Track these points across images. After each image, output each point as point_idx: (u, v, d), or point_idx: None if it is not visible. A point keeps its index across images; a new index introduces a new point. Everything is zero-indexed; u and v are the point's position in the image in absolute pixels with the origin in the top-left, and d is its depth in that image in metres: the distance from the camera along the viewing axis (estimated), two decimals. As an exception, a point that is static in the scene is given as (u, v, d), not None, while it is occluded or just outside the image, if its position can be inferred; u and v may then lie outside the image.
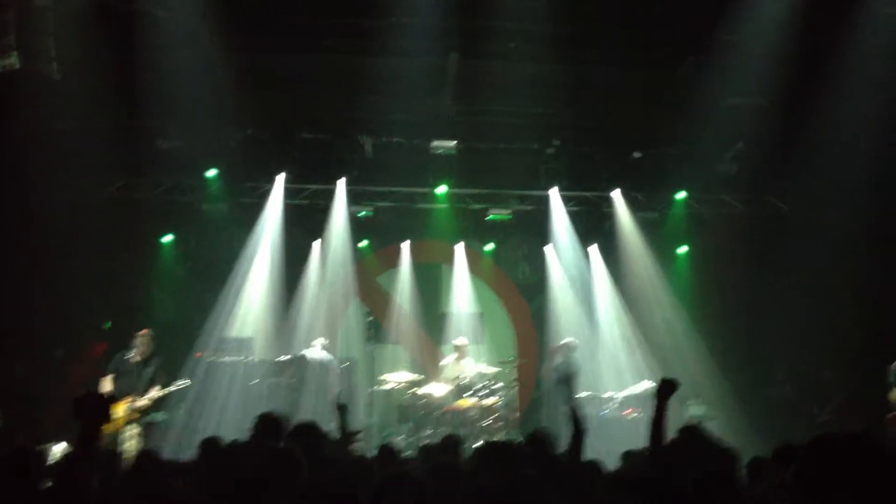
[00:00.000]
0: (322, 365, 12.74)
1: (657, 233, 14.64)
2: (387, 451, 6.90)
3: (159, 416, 12.16)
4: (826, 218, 12.65)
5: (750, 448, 6.95)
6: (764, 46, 11.46)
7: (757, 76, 11.92)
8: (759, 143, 13.06)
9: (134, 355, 10.54)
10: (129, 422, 10.14)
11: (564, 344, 13.39)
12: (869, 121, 11.16)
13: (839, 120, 11.48)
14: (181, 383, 10.70)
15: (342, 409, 7.44)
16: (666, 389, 5.31)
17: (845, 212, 12.17)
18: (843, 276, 12.29)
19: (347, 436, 7.26)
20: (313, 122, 13.17)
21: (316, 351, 12.84)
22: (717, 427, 13.02)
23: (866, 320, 12.26)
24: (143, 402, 10.26)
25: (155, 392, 10.40)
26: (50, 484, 4.44)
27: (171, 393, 10.63)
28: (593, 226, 14.78)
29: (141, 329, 10.80)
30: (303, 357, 12.72)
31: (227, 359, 12.67)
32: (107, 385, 10.22)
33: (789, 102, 12.01)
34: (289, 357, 12.91)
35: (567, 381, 12.64)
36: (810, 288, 12.90)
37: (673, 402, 12.09)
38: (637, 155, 14.05)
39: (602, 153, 14.10)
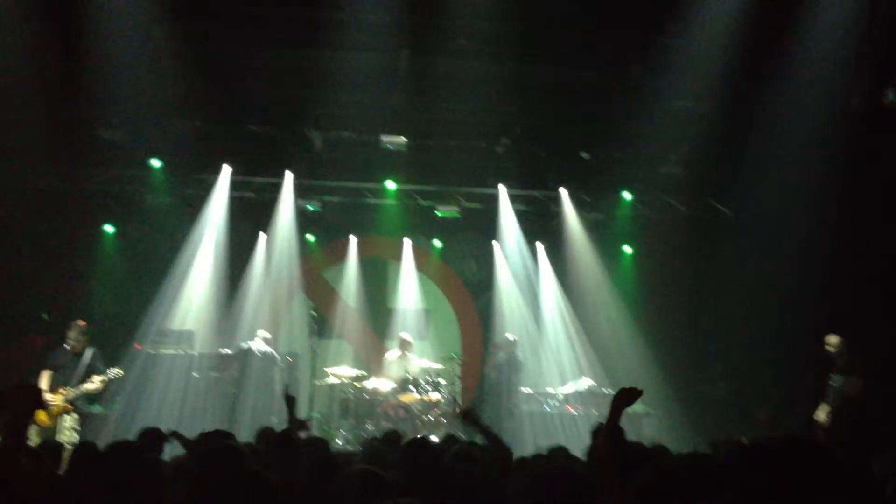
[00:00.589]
0: (265, 358, 12.65)
1: (603, 233, 14.80)
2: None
3: (96, 409, 11.96)
4: (767, 222, 12.87)
5: (686, 444, 7.10)
6: (710, 50, 11.61)
7: (703, 80, 12.07)
8: (705, 146, 13.19)
9: (70, 348, 10.36)
10: (63, 413, 9.99)
11: (506, 340, 13.52)
12: (813, 126, 11.36)
13: (783, 125, 11.70)
14: (114, 373, 10.51)
15: (290, 401, 7.42)
16: (623, 399, 5.36)
17: (786, 216, 12.39)
18: (783, 279, 12.51)
19: (296, 424, 7.25)
20: (261, 114, 12.97)
21: (258, 344, 12.74)
22: (656, 424, 13.31)
23: (804, 322, 12.51)
24: (76, 392, 10.11)
25: (89, 384, 10.24)
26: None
27: (105, 383, 10.43)
28: (540, 224, 14.88)
29: (76, 320, 10.60)
30: (247, 350, 12.60)
31: (166, 351, 12.51)
32: (44, 380, 10.04)
33: (734, 107, 12.18)
34: (232, 351, 12.80)
35: (509, 376, 12.78)
36: (750, 290, 13.14)
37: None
38: (585, 155, 14.14)
39: (550, 153, 14.16)
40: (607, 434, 5.06)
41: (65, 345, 10.39)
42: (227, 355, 12.75)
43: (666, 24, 11.35)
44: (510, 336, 13.73)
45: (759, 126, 12.02)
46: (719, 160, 13.31)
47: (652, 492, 3.59)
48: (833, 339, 10.57)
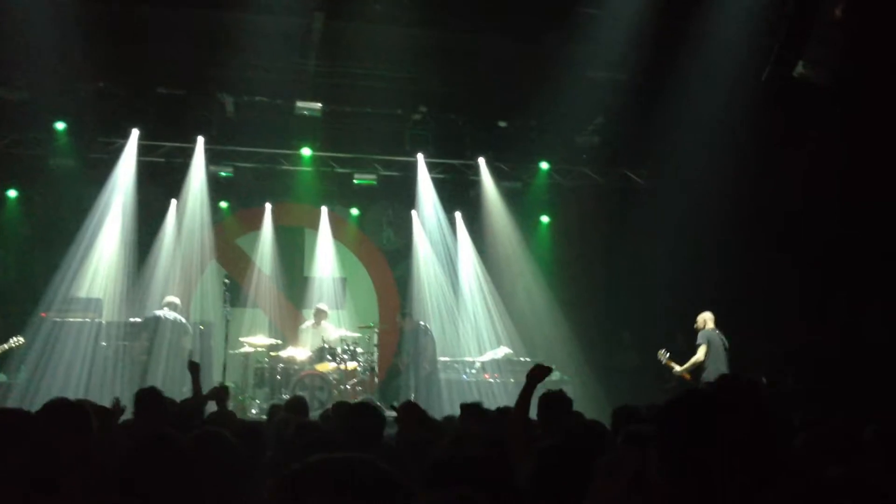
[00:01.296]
0: (175, 326, 12.36)
1: (520, 202, 14.86)
2: None
3: (0, 377, 11.66)
4: (681, 192, 13.05)
5: (599, 413, 7.21)
6: (626, 20, 11.68)
7: (619, 50, 12.16)
8: (620, 117, 13.33)
9: None
10: None
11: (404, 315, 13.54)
12: (725, 96, 11.54)
13: (697, 95, 11.85)
14: (14, 341, 10.22)
15: (194, 369, 7.32)
16: (538, 374, 5.45)
17: (700, 185, 12.60)
18: (696, 249, 12.76)
19: (199, 396, 7.15)
20: (170, 77, 12.60)
21: (168, 311, 12.45)
22: (570, 392, 13.48)
23: (718, 291, 12.79)
24: None
25: None
26: None
27: (4, 350, 10.14)
28: (458, 193, 14.89)
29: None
30: (156, 318, 12.32)
31: (73, 319, 12.18)
32: None
33: (649, 77, 12.33)
34: (142, 319, 12.52)
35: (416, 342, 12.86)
36: (664, 259, 13.35)
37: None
38: (502, 124, 14.17)
39: (468, 121, 14.14)
40: (519, 403, 5.18)
41: None
42: (136, 323, 12.46)
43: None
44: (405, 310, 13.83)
45: (672, 96, 12.15)
46: (634, 131, 13.48)
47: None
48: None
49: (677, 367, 11.71)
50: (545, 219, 15.45)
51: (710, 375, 11.19)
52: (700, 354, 11.47)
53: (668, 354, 11.90)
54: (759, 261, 12.13)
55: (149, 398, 6.14)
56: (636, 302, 14.07)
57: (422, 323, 13.38)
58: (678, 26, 11.53)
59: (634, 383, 13.36)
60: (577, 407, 10.13)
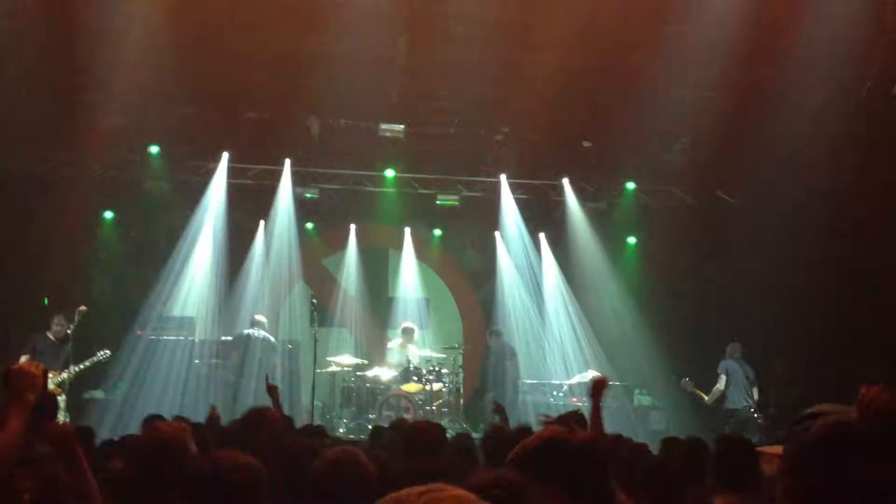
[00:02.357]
0: (265, 344, 12.58)
1: (606, 223, 14.67)
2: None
3: (98, 394, 12.08)
4: (774, 211, 12.73)
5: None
6: (714, 36, 11.47)
7: (707, 67, 11.94)
8: (708, 135, 13.06)
9: (51, 335, 10.46)
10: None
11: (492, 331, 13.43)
12: (820, 114, 11.22)
13: (787, 112, 11.55)
14: (102, 354, 10.59)
15: (272, 392, 7.42)
16: (599, 388, 5.44)
17: (793, 204, 12.27)
18: (790, 268, 12.40)
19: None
20: (259, 101, 12.96)
21: (257, 330, 12.67)
22: (664, 417, 13.21)
23: (813, 311, 12.38)
24: (63, 376, 10.20)
25: (75, 367, 10.35)
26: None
27: (93, 364, 10.52)
28: (542, 214, 14.77)
29: (79, 306, 10.67)
30: (247, 336, 12.55)
31: (167, 337, 12.58)
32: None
33: (738, 94, 12.05)
34: (232, 337, 12.79)
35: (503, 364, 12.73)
36: (757, 279, 13.00)
37: (621, 393, 12.18)
38: (587, 144, 14.03)
39: (551, 142, 14.05)
40: (593, 422, 5.14)
41: (47, 333, 10.48)
42: (227, 342, 12.75)
43: (666, 12, 11.24)
44: (495, 328, 13.65)
45: (764, 113, 11.86)
46: (724, 148, 13.18)
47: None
48: None
49: (704, 396, 12.15)
50: (632, 239, 15.18)
51: (730, 404, 12.10)
52: (720, 384, 12.14)
53: (692, 383, 12.34)
54: (856, 282, 11.67)
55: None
56: (727, 324, 13.66)
57: (510, 344, 13.27)
58: (767, 41, 11.27)
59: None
60: (670, 432, 9.83)
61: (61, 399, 10.19)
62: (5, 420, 3.29)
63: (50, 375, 9.99)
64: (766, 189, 13.01)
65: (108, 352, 10.78)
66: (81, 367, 10.41)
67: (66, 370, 10.28)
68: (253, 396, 12.04)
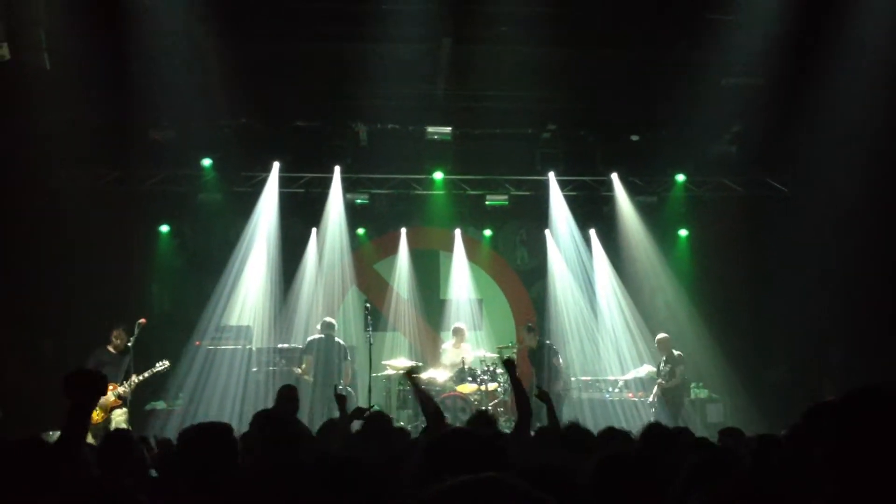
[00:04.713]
0: (335, 349, 12.58)
1: (656, 216, 14.56)
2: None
3: (160, 404, 12.29)
4: (827, 198, 12.55)
5: (752, 430, 6.93)
6: (760, 25, 11.35)
7: (754, 56, 11.82)
8: (758, 123, 12.91)
9: (112, 347, 10.67)
10: (114, 408, 10.30)
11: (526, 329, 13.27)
12: (868, 98, 11.03)
13: (838, 98, 11.38)
14: (160, 366, 10.75)
15: (341, 400, 7.47)
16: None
17: (846, 191, 12.08)
18: (844, 256, 12.21)
19: (345, 423, 7.28)
20: (307, 109, 13.13)
21: (327, 334, 12.62)
22: (721, 410, 13.09)
23: (869, 300, 12.17)
24: (125, 388, 10.38)
25: (135, 378, 10.51)
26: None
27: (154, 374, 10.68)
28: (592, 210, 14.68)
29: (139, 319, 10.85)
30: (319, 340, 12.56)
31: (225, 347, 12.73)
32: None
33: (787, 82, 11.93)
34: (303, 345, 12.79)
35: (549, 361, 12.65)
36: (811, 269, 12.83)
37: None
38: (634, 138, 13.95)
39: (598, 137, 14.02)
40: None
41: (107, 346, 10.68)
42: (294, 349, 12.82)
43: (711, 0, 11.15)
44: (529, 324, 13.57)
45: (813, 99, 11.70)
46: (774, 137, 13.04)
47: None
48: None
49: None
50: (683, 232, 15.01)
51: None
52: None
53: None
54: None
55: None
56: (783, 314, 13.50)
57: (547, 342, 13.17)
58: (815, 27, 11.12)
59: (787, 400, 12.81)
60: (728, 424, 9.71)
61: (123, 411, 10.39)
62: (66, 425, 3.33)
63: (111, 387, 10.24)
64: (818, 176, 12.86)
65: (166, 362, 10.92)
66: (141, 377, 10.57)
67: (127, 382, 10.45)
68: (321, 403, 12.12)
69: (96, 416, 9.92)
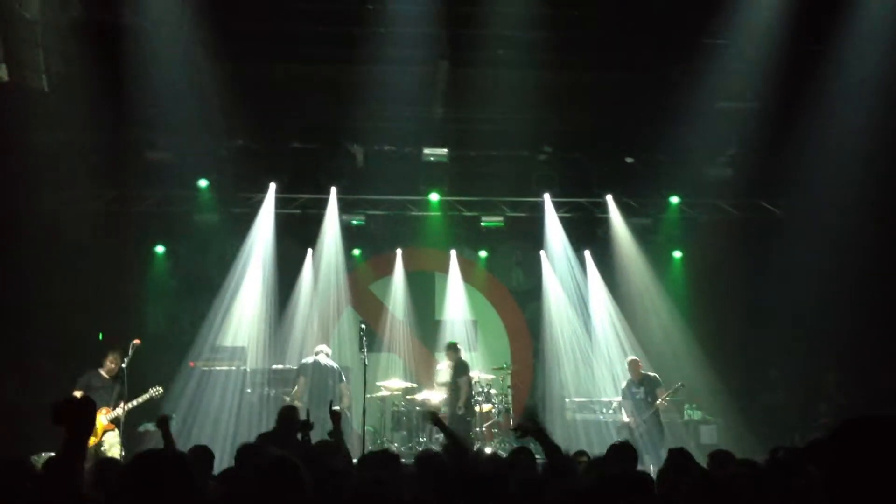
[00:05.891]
0: (328, 372, 12.51)
1: (651, 238, 14.61)
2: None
3: (151, 426, 12.19)
4: (821, 220, 12.62)
5: (746, 452, 6.94)
6: (754, 50, 11.46)
7: (749, 79, 11.93)
8: (753, 146, 12.99)
9: (104, 371, 10.60)
10: (106, 431, 10.24)
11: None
12: (861, 122, 11.13)
13: (832, 121, 11.47)
14: (154, 391, 10.69)
15: (336, 417, 7.48)
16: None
17: (839, 214, 12.16)
18: (839, 279, 12.26)
19: (339, 441, 7.29)
20: (303, 131, 13.16)
21: (323, 358, 12.59)
22: (715, 431, 13.07)
23: (864, 322, 12.21)
24: (117, 412, 10.31)
25: (128, 404, 10.44)
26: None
27: (147, 401, 10.62)
28: (587, 231, 14.73)
29: (132, 339, 10.78)
30: (313, 364, 12.51)
31: (220, 367, 12.69)
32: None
33: (782, 105, 11.99)
34: (294, 366, 12.75)
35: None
36: (806, 291, 12.85)
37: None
38: (629, 160, 14.02)
39: (593, 159, 14.08)
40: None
41: (99, 369, 10.62)
42: (290, 370, 12.79)
43: (706, 25, 11.25)
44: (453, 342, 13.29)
45: (808, 123, 11.79)
46: (768, 160, 13.10)
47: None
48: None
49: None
50: (678, 254, 15.07)
51: None
52: None
53: None
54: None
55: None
56: (779, 337, 13.53)
57: (463, 358, 13.01)
58: (810, 51, 11.23)
59: (783, 423, 12.84)
60: (721, 447, 9.73)
61: (115, 434, 10.33)
62: (62, 451, 3.35)
63: (105, 411, 10.19)
64: (812, 199, 12.93)
65: (160, 389, 10.85)
66: (134, 403, 10.51)
67: (119, 407, 10.38)
68: (317, 425, 12.07)
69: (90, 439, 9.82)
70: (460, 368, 12.65)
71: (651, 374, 12.25)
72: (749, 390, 13.95)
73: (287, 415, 7.83)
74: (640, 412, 11.83)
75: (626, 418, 12.05)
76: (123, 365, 10.51)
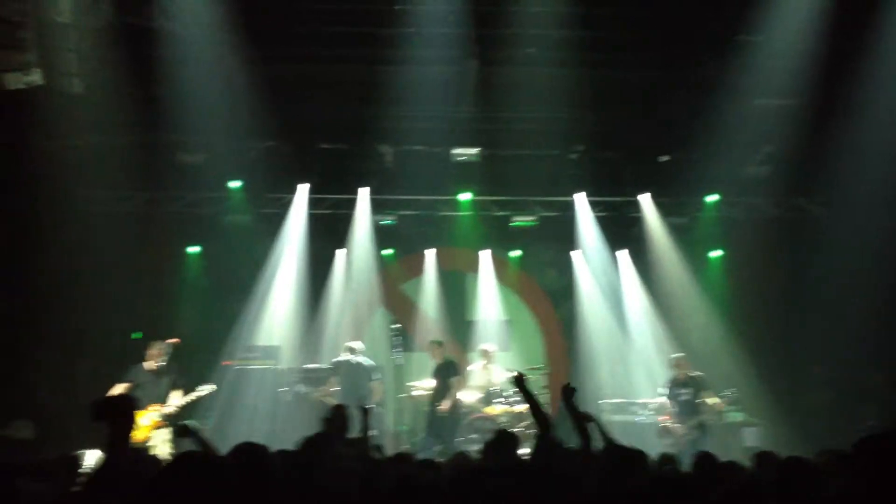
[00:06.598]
0: (361, 370, 12.44)
1: (687, 237, 14.38)
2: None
3: (190, 423, 12.31)
4: (863, 218, 12.36)
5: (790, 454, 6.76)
6: (791, 44, 11.26)
7: (785, 75, 11.72)
8: (792, 144, 12.73)
9: (148, 367, 10.65)
10: (156, 429, 10.26)
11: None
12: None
13: (872, 118, 11.24)
14: (206, 388, 10.75)
15: (364, 412, 7.48)
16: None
17: (881, 210, 11.91)
18: (883, 276, 12.01)
19: (365, 439, 7.29)
20: (333, 131, 13.19)
21: (353, 356, 12.53)
22: (758, 434, 12.83)
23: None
24: (169, 408, 10.38)
25: (180, 399, 10.51)
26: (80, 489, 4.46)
27: (198, 398, 10.69)
28: (621, 231, 14.54)
29: (168, 339, 10.89)
30: (346, 362, 12.56)
31: (254, 366, 12.82)
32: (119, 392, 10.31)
33: (820, 101, 11.76)
34: (331, 364, 12.80)
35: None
36: (848, 289, 12.60)
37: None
38: (664, 158, 13.81)
39: (627, 157, 13.89)
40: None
41: (144, 363, 10.69)
42: (323, 369, 12.85)
43: (741, 21, 11.07)
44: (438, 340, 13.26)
45: (846, 119, 11.54)
46: (807, 157, 12.84)
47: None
48: None
49: None
50: (716, 253, 14.81)
51: None
52: None
53: None
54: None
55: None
56: (822, 337, 13.23)
57: (449, 358, 12.80)
58: (847, 46, 10.99)
59: (828, 424, 12.54)
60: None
61: (166, 431, 10.40)
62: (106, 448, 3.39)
63: (155, 407, 10.26)
64: (853, 196, 12.66)
65: (213, 385, 10.92)
66: (187, 400, 10.60)
67: (170, 403, 10.46)
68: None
69: (139, 435, 9.90)
70: (450, 368, 12.55)
71: (697, 374, 11.94)
72: (792, 391, 13.65)
73: (337, 413, 7.77)
74: (686, 416, 11.55)
75: (668, 421, 11.81)
76: (163, 362, 10.62)
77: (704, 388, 11.71)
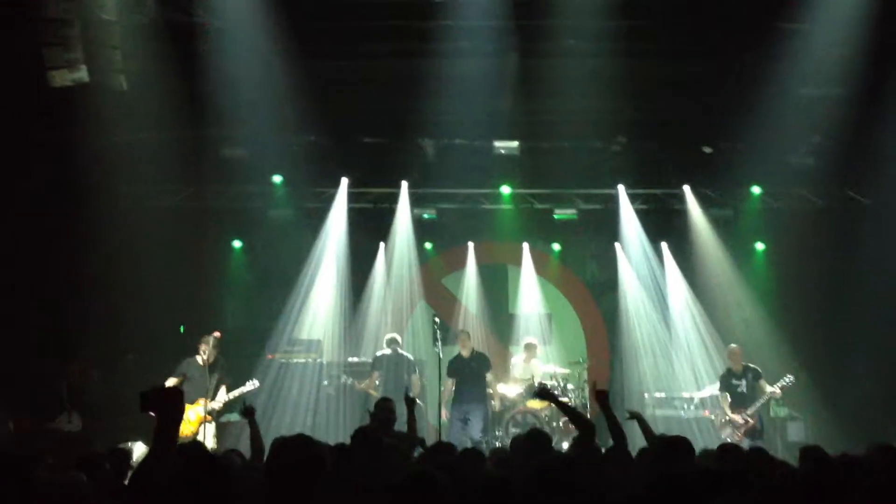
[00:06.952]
0: (401, 363, 12.56)
1: (731, 229, 14.24)
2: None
3: (234, 417, 12.46)
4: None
5: (837, 449, 6.66)
6: (838, 34, 11.05)
7: (830, 65, 11.50)
8: (838, 134, 12.50)
9: (200, 360, 10.77)
10: (203, 423, 10.39)
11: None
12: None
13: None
14: (250, 385, 10.86)
15: (410, 403, 7.49)
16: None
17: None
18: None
19: (413, 431, 7.31)
20: (374, 126, 13.22)
21: (393, 349, 12.63)
22: (802, 428, 12.66)
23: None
24: (215, 404, 10.50)
25: (226, 394, 10.62)
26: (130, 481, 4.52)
27: (243, 394, 10.79)
28: (663, 223, 14.43)
29: (212, 332, 11.02)
30: (386, 356, 12.60)
31: (297, 360, 12.92)
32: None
33: (867, 91, 11.52)
34: (371, 359, 12.86)
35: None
36: (894, 282, 12.36)
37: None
38: (707, 150, 13.65)
39: (669, 149, 13.73)
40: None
41: (196, 357, 10.82)
42: (364, 363, 12.91)
43: (786, 8, 10.88)
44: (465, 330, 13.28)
45: (891, 109, 11.31)
46: (853, 147, 12.61)
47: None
48: None
49: None
50: (760, 245, 14.64)
51: None
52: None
53: None
54: None
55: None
56: (865, 329, 13.00)
57: (475, 349, 12.88)
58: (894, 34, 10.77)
59: (874, 418, 12.33)
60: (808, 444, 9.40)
61: (212, 426, 10.54)
62: (155, 439, 3.42)
63: (201, 403, 10.38)
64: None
65: (256, 382, 11.03)
66: (231, 396, 10.71)
67: (216, 398, 10.57)
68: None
69: (186, 429, 10.02)
70: (483, 362, 12.74)
71: (752, 365, 11.86)
72: (837, 385, 13.42)
73: (384, 407, 7.79)
74: (744, 406, 11.49)
75: (728, 413, 11.68)
76: (207, 355, 10.72)
77: (760, 378, 11.59)
